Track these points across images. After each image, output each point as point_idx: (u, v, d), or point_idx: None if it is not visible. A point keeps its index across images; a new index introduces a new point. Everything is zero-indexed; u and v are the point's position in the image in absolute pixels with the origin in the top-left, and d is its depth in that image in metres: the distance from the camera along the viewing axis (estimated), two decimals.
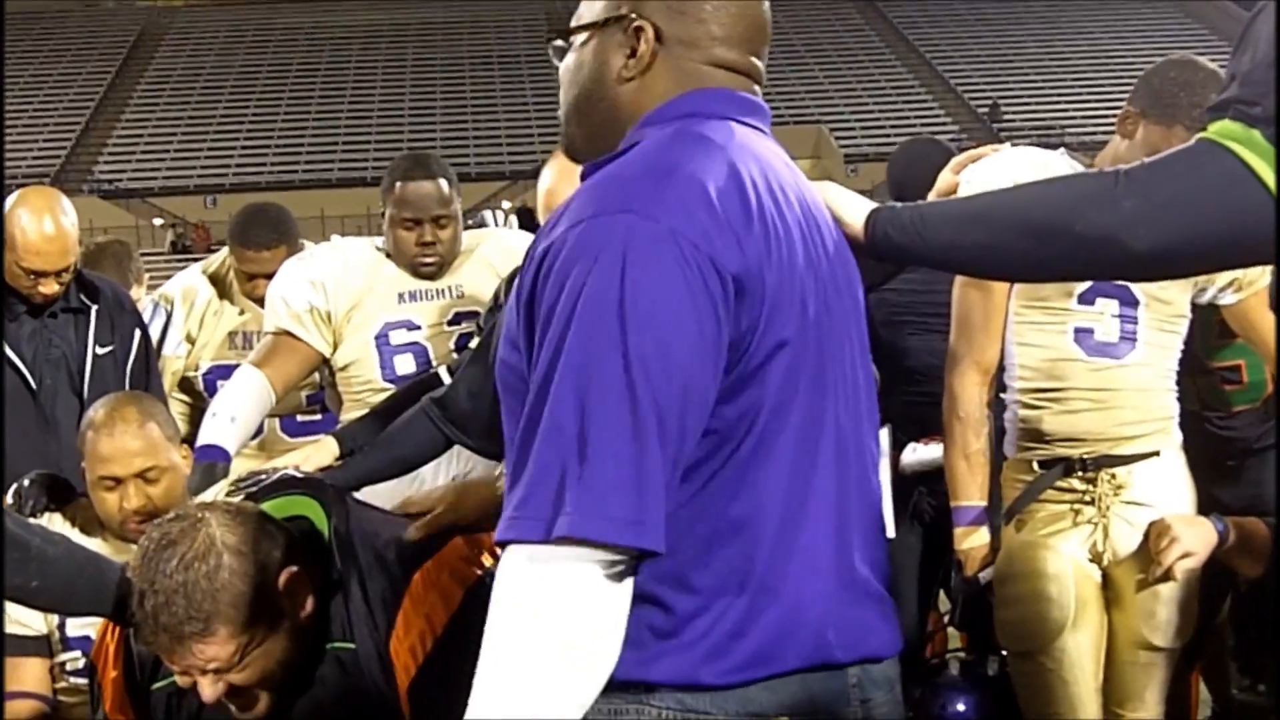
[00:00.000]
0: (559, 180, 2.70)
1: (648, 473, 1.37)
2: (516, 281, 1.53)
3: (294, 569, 2.07)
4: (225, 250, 4.20)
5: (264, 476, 2.47)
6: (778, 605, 1.49)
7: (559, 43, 1.70)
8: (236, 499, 2.29)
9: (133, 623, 2.05)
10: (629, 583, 1.40)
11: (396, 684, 2.10)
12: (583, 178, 1.62)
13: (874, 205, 1.72)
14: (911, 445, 3.43)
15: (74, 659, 2.90)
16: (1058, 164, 2.78)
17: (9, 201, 3.60)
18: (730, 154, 1.52)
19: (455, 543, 2.23)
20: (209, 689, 2.01)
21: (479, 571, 2.18)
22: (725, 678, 1.47)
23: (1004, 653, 3.02)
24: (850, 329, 1.63)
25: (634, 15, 1.60)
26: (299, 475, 2.46)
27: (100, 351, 3.71)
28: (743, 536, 1.48)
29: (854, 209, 1.71)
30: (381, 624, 2.12)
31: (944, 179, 2.66)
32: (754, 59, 1.66)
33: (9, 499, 2.95)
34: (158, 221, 37.89)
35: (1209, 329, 3.20)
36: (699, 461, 1.46)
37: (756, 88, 1.67)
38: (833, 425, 1.56)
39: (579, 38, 1.67)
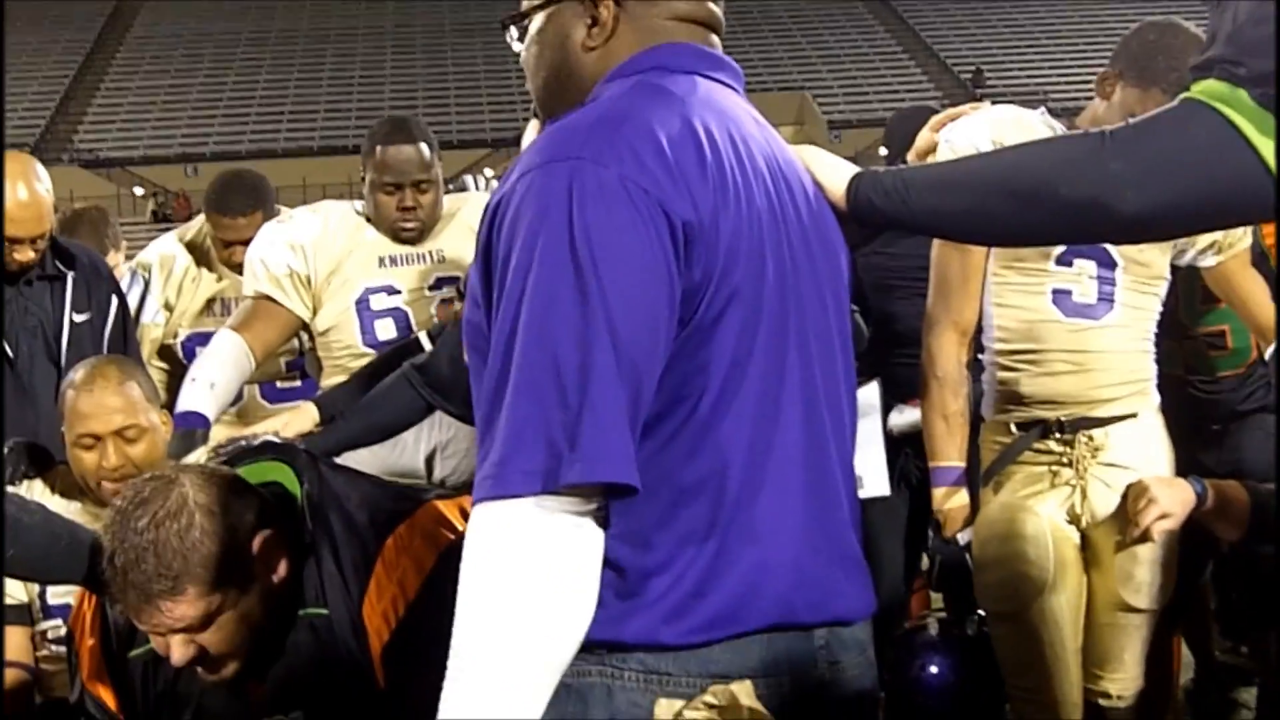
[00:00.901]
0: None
1: (625, 411, 1.37)
2: (476, 237, 1.52)
3: (268, 532, 2.07)
4: (202, 218, 4.17)
5: (243, 442, 2.46)
6: (739, 565, 1.48)
7: (515, 28, 1.69)
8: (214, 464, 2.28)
9: (103, 580, 2.04)
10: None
11: (370, 649, 2.10)
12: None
13: (855, 170, 1.71)
14: (898, 407, 3.44)
15: (55, 627, 2.90)
16: (1036, 123, 2.78)
17: None
18: (687, 106, 1.51)
19: (429, 506, 2.22)
20: (179, 650, 2.01)
21: (452, 535, 2.17)
22: (686, 637, 1.47)
23: (982, 614, 3.03)
24: (825, 289, 1.62)
25: None
26: (276, 441, 2.45)
27: (77, 319, 3.69)
28: (704, 495, 1.47)
29: (834, 173, 1.70)
30: (354, 589, 2.11)
31: (923, 138, 2.66)
32: (713, 6, 1.66)
33: None
34: (139, 191, 37.76)
35: (1194, 294, 3.21)
36: (658, 418, 1.45)
37: (715, 38, 1.66)
38: (799, 384, 1.54)
39: (535, 20, 1.66)
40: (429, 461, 3.29)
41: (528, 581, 1.34)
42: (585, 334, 1.36)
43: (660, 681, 1.47)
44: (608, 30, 1.61)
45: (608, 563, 1.43)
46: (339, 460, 2.68)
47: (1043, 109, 2.85)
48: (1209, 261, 2.93)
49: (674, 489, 1.46)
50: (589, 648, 1.42)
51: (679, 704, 1.47)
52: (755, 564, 1.49)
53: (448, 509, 2.23)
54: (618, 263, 1.38)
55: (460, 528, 2.20)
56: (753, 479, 1.49)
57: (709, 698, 1.47)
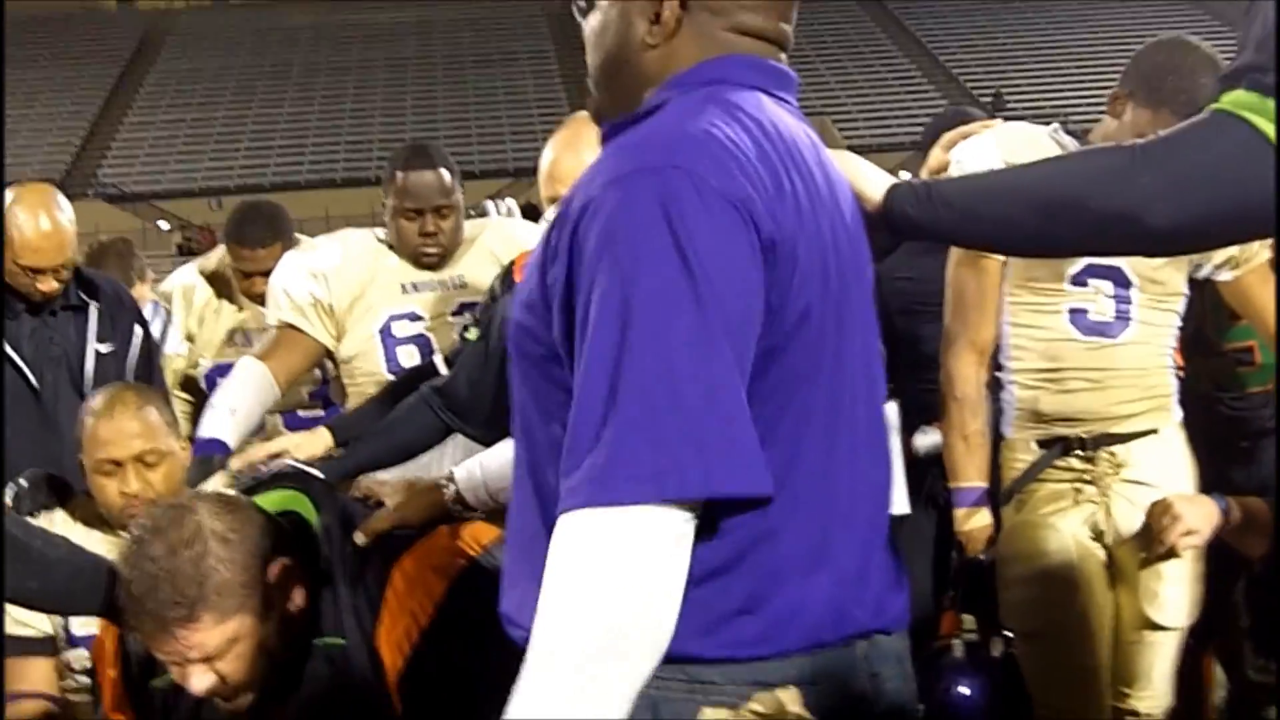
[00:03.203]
0: (563, 151, 2.69)
1: (749, 420, 1.35)
2: (543, 242, 1.49)
3: (285, 561, 2.07)
4: (222, 248, 4.19)
5: (260, 471, 2.46)
6: (789, 583, 1.47)
7: (582, 3, 1.67)
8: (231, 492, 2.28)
9: (119, 609, 2.04)
10: None
11: (386, 678, 2.09)
12: (603, 139, 1.58)
13: (893, 180, 1.71)
14: (923, 429, 3.42)
15: (80, 657, 2.90)
16: (1047, 141, 2.78)
17: (5, 199, 3.60)
18: (757, 122, 1.49)
19: (439, 532, 2.22)
20: (197, 679, 2.01)
21: (463, 561, 2.17)
22: (731, 650, 1.45)
23: (1008, 634, 3.01)
24: (866, 305, 1.62)
25: None
26: (292, 469, 2.45)
27: (101, 349, 3.71)
28: (756, 510, 1.44)
29: (872, 182, 1.71)
30: (369, 618, 2.11)
31: (935, 156, 2.65)
32: (782, 24, 1.63)
33: (7, 499, 2.95)
34: (164, 225, 37.93)
35: (1221, 309, 3.19)
36: None
37: (783, 55, 1.64)
38: (850, 400, 1.54)
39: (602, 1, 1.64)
40: None
41: (626, 593, 1.31)
42: (705, 343, 1.34)
43: (705, 690, 1.46)
44: (669, 30, 1.57)
45: None
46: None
47: (1055, 126, 2.85)
48: (1226, 276, 2.91)
49: (722, 506, 1.43)
50: None
51: (725, 713, 1.46)
52: (803, 582, 1.48)
53: (459, 534, 2.22)
54: (725, 271, 1.36)
55: (471, 553, 2.19)
56: (799, 495, 1.48)
57: (756, 705, 1.46)
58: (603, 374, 1.35)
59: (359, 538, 2.22)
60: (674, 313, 1.34)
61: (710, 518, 1.43)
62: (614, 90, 1.63)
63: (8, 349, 3.64)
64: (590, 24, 1.66)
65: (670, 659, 1.42)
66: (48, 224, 3.55)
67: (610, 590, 1.31)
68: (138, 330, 3.80)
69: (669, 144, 1.42)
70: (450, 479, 2.43)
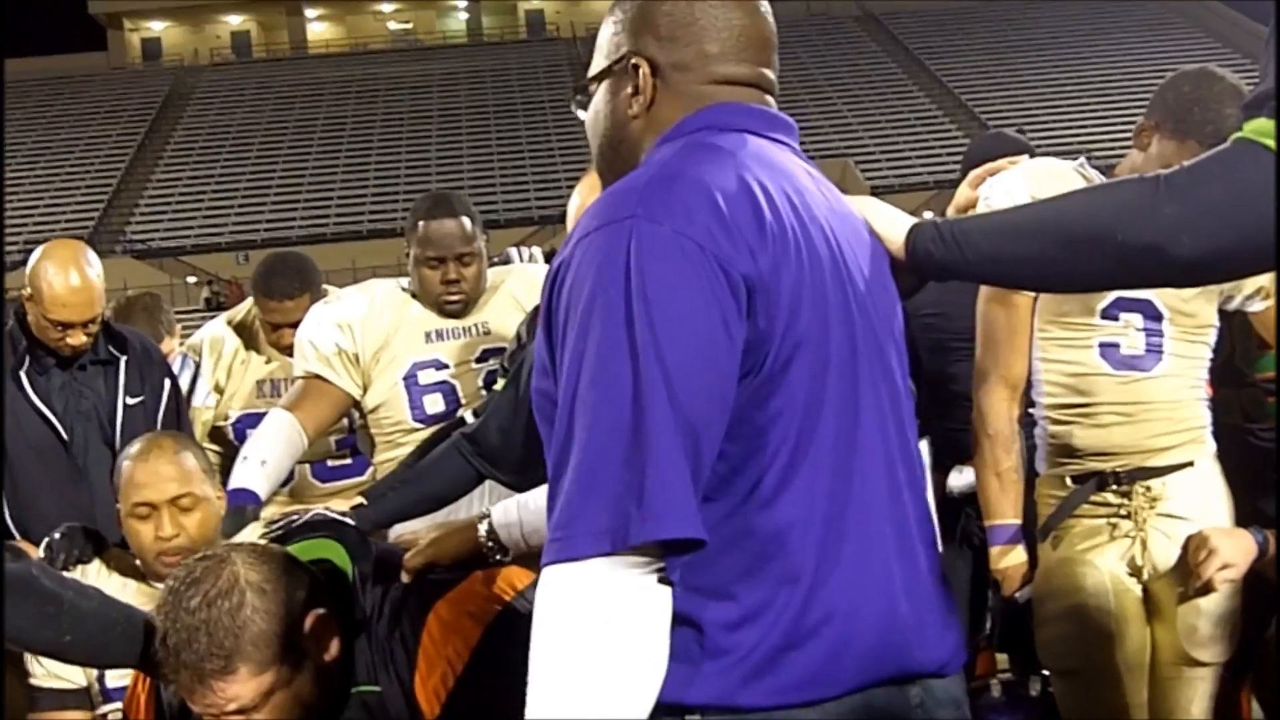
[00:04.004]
0: (588, 197, 2.70)
1: (686, 467, 1.37)
2: (540, 305, 1.54)
3: (320, 611, 2.07)
4: (250, 300, 4.22)
5: (295, 519, 2.47)
6: (827, 621, 1.46)
7: (580, 98, 1.75)
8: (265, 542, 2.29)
9: (155, 660, 2.04)
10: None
11: None
12: None
13: (913, 220, 1.72)
14: (958, 468, 3.41)
15: (115, 709, 2.90)
16: (1073, 175, 2.77)
17: (34, 256, 3.63)
18: (738, 160, 1.53)
19: (474, 578, 2.22)
20: None
21: (498, 606, 2.17)
22: (769, 699, 1.45)
23: (1045, 673, 2.99)
24: (888, 340, 1.62)
25: (630, 54, 1.65)
26: (326, 517, 2.45)
27: (130, 402, 3.73)
28: (786, 546, 1.46)
29: (893, 225, 1.71)
30: (405, 666, 2.11)
31: (962, 193, 2.65)
32: (762, 69, 1.68)
33: (41, 553, 2.96)
34: (191, 279, 38.18)
35: (1249, 340, 3.17)
36: (734, 471, 1.46)
37: (769, 99, 1.68)
38: (876, 434, 1.55)
39: (595, 88, 1.72)
40: None
41: (600, 643, 1.34)
42: (642, 391, 1.37)
43: None
44: (647, 98, 1.65)
45: (685, 621, 1.42)
46: (392, 530, 2.69)
47: (1081, 160, 2.85)
48: (1257, 307, 2.90)
49: (755, 541, 1.46)
50: (663, 709, 1.41)
51: None
52: (843, 620, 1.47)
53: (492, 580, 2.22)
54: (673, 319, 1.39)
55: (505, 598, 2.19)
56: (835, 528, 1.48)
57: None
58: (562, 426, 1.41)
59: (404, 576, 2.25)
60: (616, 364, 1.38)
61: (742, 558, 1.44)
62: (615, 165, 1.69)
63: (38, 403, 3.66)
64: (587, 116, 1.74)
65: (718, 709, 1.43)
66: (77, 279, 3.58)
67: (588, 641, 1.34)
68: (166, 383, 3.84)
69: (632, 195, 1.47)
70: (485, 515, 2.43)
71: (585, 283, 1.42)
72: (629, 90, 1.66)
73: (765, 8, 1.70)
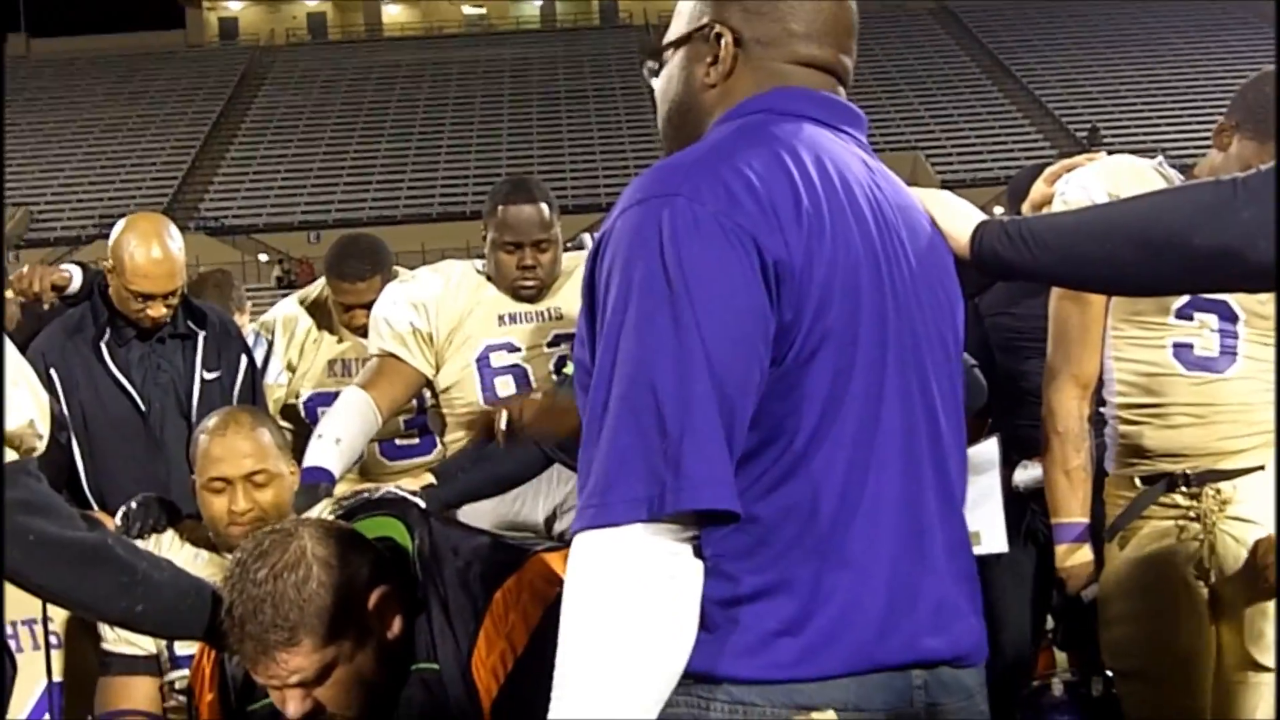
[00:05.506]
0: None
1: (724, 440, 1.40)
2: (583, 276, 1.56)
3: (384, 588, 2.09)
4: (323, 279, 4.26)
5: (365, 494, 2.50)
6: (828, 603, 1.48)
7: (652, 64, 1.74)
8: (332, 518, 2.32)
9: (221, 631, 2.07)
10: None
11: (480, 704, 2.10)
12: None
13: (981, 217, 1.71)
14: (1023, 463, 3.39)
15: (182, 677, 2.93)
16: (1152, 174, 2.75)
17: (117, 228, 3.69)
18: (786, 148, 1.53)
19: (536, 559, 2.23)
20: (295, 705, 2.03)
21: (558, 589, 2.18)
22: (770, 672, 1.48)
23: (1109, 673, 2.97)
24: (934, 335, 1.62)
25: (714, 23, 1.65)
26: (394, 495, 2.48)
27: (208, 376, 3.79)
28: (794, 531, 1.48)
29: (958, 221, 1.71)
30: (464, 644, 2.12)
31: (1038, 190, 2.63)
32: (840, 55, 1.68)
33: (117, 522, 3.01)
34: (263, 257, 38.52)
35: None
36: (750, 456, 1.47)
37: (841, 88, 1.68)
38: (901, 427, 1.55)
39: (669, 55, 1.71)
40: (549, 520, 3.32)
41: (632, 610, 1.37)
42: (683, 363, 1.38)
43: (745, 711, 1.48)
44: (726, 68, 1.65)
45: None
46: (460, 512, 2.71)
47: (1160, 158, 2.82)
48: None
49: (765, 524, 1.48)
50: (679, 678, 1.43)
51: None
52: (845, 602, 1.49)
53: (555, 562, 2.23)
54: (712, 295, 1.41)
55: None
56: (843, 518, 1.50)
57: None
58: (599, 395, 1.42)
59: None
60: (656, 336, 1.40)
61: (750, 539, 1.47)
62: (680, 134, 1.70)
63: (117, 374, 3.73)
64: (659, 82, 1.73)
65: (713, 679, 1.47)
66: (159, 251, 3.64)
67: (620, 608, 1.37)
68: (243, 360, 3.89)
69: (679, 172, 1.49)
70: None
71: (626, 255, 1.44)
72: (708, 59, 1.65)
73: None
